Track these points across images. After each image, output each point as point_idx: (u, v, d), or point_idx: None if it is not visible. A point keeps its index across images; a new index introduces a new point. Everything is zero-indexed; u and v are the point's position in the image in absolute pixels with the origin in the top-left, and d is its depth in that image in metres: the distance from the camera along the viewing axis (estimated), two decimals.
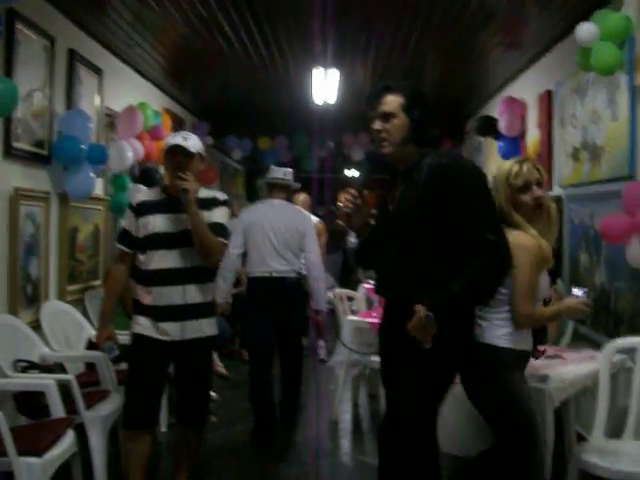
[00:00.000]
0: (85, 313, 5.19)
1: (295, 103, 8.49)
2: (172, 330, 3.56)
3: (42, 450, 3.11)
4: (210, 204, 3.64)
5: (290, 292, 5.13)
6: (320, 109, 8.25)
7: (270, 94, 8.30)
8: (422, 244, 2.79)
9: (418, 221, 2.79)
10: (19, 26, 4.24)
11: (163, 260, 3.55)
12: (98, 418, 3.80)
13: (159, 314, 3.56)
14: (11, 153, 4.23)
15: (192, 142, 3.59)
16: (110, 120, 5.90)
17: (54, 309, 4.68)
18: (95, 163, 4.90)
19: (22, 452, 3.01)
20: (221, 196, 3.76)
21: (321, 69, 6.73)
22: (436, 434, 2.91)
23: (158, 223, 3.57)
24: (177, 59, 6.64)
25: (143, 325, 3.60)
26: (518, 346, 2.95)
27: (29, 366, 3.92)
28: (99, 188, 5.48)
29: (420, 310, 2.64)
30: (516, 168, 3.01)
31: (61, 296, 4.96)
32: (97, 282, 5.63)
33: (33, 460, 3.04)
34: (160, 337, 3.56)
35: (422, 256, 2.79)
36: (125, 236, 3.69)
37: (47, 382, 3.55)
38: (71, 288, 5.13)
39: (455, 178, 2.75)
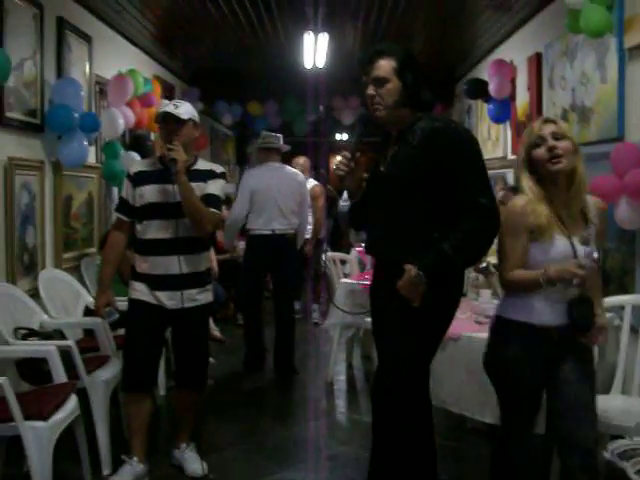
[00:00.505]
0: (81, 280, 5.24)
1: (285, 67, 8.47)
2: (168, 299, 3.62)
3: (47, 414, 3.17)
4: (206, 176, 3.66)
5: (287, 245, 5.78)
6: (310, 73, 8.24)
7: (260, 59, 8.28)
8: (413, 205, 2.84)
9: (410, 183, 2.84)
10: None
11: (159, 230, 3.59)
12: (99, 382, 3.86)
13: (155, 283, 3.62)
14: (4, 123, 4.24)
15: (184, 109, 3.58)
16: (100, 87, 5.89)
17: (51, 277, 4.73)
18: (87, 131, 4.91)
19: (28, 417, 3.08)
20: (218, 169, 3.77)
21: (311, 33, 6.71)
22: (428, 388, 3.00)
23: (153, 193, 3.59)
24: (166, 25, 6.62)
25: (140, 291, 3.65)
26: (511, 315, 2.79)
27: (29, 333, 3.96)
28: (91, 156, 5.49)
29: (410, 269, 2.71)
30: (529, 127, 2.81)
31: (57, 264, 5.01)
32: (92, 249, 5.67)
33: (39, 424, 3.10)
34: (156, 303, 3.63)
35: (413, 217, 2.84)
36: (123, 205, 3.70)
37: (48, 348, 3.60)
38: (67, 256, 5.18)
39: (447, 142, 2.79)
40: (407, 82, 2.88)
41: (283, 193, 5.68)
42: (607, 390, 3.56)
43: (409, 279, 2.71)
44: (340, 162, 2.99)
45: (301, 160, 7.38)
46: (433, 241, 2.74)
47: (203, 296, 3.73)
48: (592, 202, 2.81)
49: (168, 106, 3.59)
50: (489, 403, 3.37)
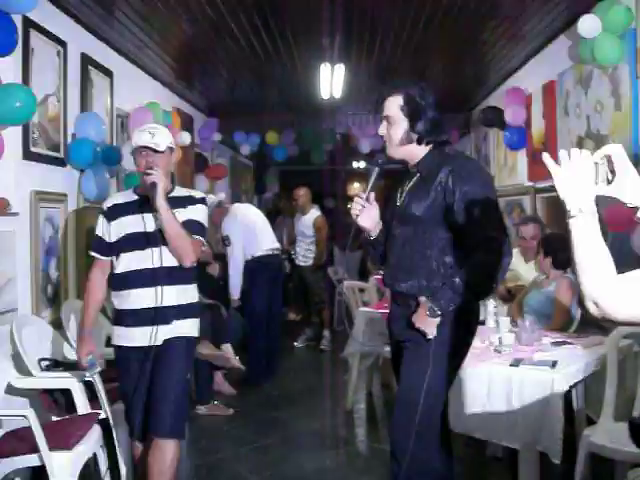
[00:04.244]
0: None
1: (302, 97, 8.57)
2: (142, 335, 3.36)
3: (71, 445, 3.23)
4: (186, 202, 3.50)
5: (280, 266, 6.80)
6: (326, 103, 8.33)
7: (277, 89, 8.39)
8: (426, 239, 2.90)
9: (422, 217, 2.90)
10: (33, 34, 4.35)
11: (135, 261, 3.40)
12: (121, 413, 3.90)
13: (131, 318, 3.41)
14: (29, 158, 4.34)
15: (160, 137, 3.43)
16: (122, 120, 6.00)
17: (74, 308, 4.79)
18: (109, 164, 5.02)
19: (53, 447, 3.13)
20: (197, 194, 3.64)
21: (327, 64, 6.80)
22: (446, 417, 3.03)
23: (130, 224, 3.43)
24: (185, 59, 6.74)
25: (119, 334, 3.47)
26: None
27: (53, 364, 4.03)
28: (113, 188, 5.58)
29: (424, 303, 2.77)
30: None
31: (80, 295, 5.07)
32: None
33: (64, 454, 3.17)
34: (134, 344, 3.40)
35: (426, 251, 2.90)
36: (98, 243, 3.53)
37: (72, 379, 3.66)
38: None
39: (457, 176, 2.84)
40: (414, 118, 2.93)
41: (263, 219, 6.65)
42: (627, 416, 3.55)
43: (423, 313, 2.78)
44: (355, 202, 3.05)
45: (301, 191, 7.61)
46: (446, 274, 2.79)
47: (185, 329, 3.45)
48: None
49: (143, 135, 3.42)
50: (515, 428, 3.39)
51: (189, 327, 3.49)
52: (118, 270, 3.45)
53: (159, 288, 3.34)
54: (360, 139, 9.89)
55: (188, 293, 3.51)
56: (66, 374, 3.90)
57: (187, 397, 3.52)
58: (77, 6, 4.83)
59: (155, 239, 3.37)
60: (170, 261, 3.39)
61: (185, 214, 3.44)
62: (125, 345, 3.44)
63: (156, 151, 3.39)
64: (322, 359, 7.68)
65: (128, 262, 3.42)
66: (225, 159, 10.30)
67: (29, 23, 4.26)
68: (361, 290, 6.69)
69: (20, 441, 3.19)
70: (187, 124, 8.10)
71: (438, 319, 2.78)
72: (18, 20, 3.95)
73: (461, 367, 3.07)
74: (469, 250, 2.79)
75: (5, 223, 4.05)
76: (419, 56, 6.75)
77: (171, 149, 3.51)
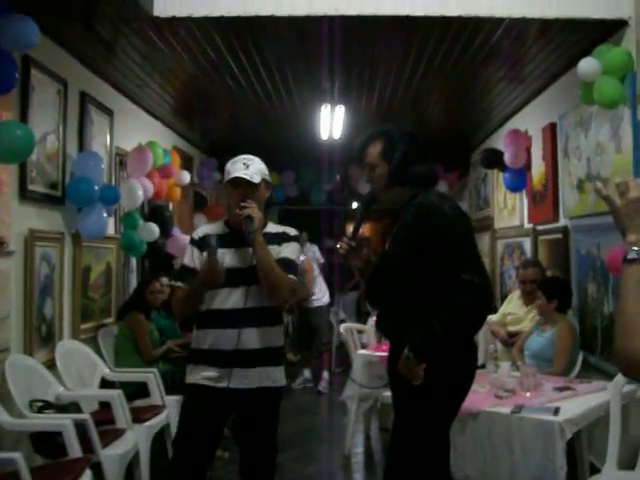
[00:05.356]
0: (98, 351, 5.24)
1: (301, 138, 8.59)
2: (225, 377, 3.16)
3: None
4: (279, 239, 3.30)
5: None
6: (326, 143, 8.35)
7: (277, 130, 8.41)
8: (408, 284, 2.87)
9: (403, 261, 2.89)
10: (33, 71, 4.35)
11: (225, 299, 3.19)
12: (114, 457, 3.83)
13: (215, 360, 3.19)
14: (26, 196, 4.31)
15: (254, 168, 3.24)
16: (120, 159, 5.99)
17: (68, 348, 4.74)
18: (107, 203, 4.98)
19: None
20: (291, 231, 3.39)
21: (328, 106, 6.82)
22: (445, 462, 2.96)
23: (221, 258, 3.18)
24: (185, 99, 6.76)
25: (199, 374, 3.22)
26: None
27: (45, 406, 3.96)
28: (110, 227, 5.55)
29: (404, 350, 2.75)
30: None
31: (75, 334, 5.01)
32: (109, 320, 5.69)
33: None
34: (216, 385, 3.18)
35: (408, 295, 2.87)
36: (186, 272, 3.28)
37: (64, 422, 3.59)
38: (84, 326, 5.19)
39: (432, 220, 2.82)
40: (393, 164, 2.95)
41: None
42: (632, 466, 3.47)
43: (403, 360, 2.77)
44: (342, 243, 3.08)
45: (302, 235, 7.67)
46: (423, 319, 2.75)
47: (268, 377, 3.23)
48: None
49: (237, 166, 3.23)
50: (517, 476, 3.31)
51: (275, 376, 3.27)
52: (206, 307, 3.22)
53: (241, 330, 3.13)
54: (359, 179, 9.90)
55: (274, 335, 3.27)
56: (58, 416, 3.83)
57: None
58: (78, 44, 4.84)
59: (247, 276, 3.17)
60: (260, 301, 3.19)
61: (279, 252, 3.25)
62: (204, 384, 3.20)
63: (250, 183, 3.21)
64: (320, 401, 7.57)
65: (217, 299, 3.20)
66: (224, 198, 10.30)
67: (29, 61, 4.27)
68: (360, 332, 6.62)
69: None
70: (187, 163, 8.11)
71: (422, 365, 2.72)
72: (18, 57, 3.95)
73: (459, 412, 3.00)
74: (447, 295, 2.74)
75: (0, 262, 4.00)
76: (419, 98, 6.78)
77: (266, 182, 3.33)
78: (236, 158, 3.30)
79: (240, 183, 3.20)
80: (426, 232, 2.81)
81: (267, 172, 3.34)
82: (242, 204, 3.16)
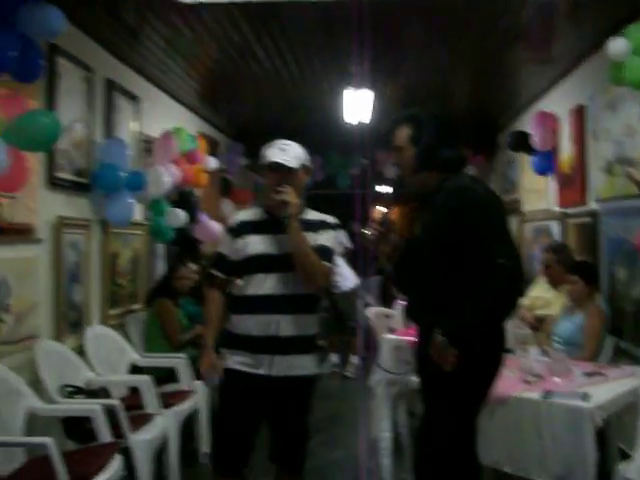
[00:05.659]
0: (127, 336, 5.28)
1: (328, 122, 8.54)
2: (260, 363, 3.16)
3: (91, 475, 3.18)
4: (317, 227, 3.24)
5: None
6: (353, 127, 8.31)
7: (303, 114, 8.38)
8: (440, 269, 2.85)
9: (435, 246, 2.87)
10: (60, 60, 4.37)
11: (260, 286, 3.16)
12: (143, 442, 3.86)
13: (250, 346, 3.17)
14: (54, 183, 4.35)
15: (292, 153, 3.20)
16: (147, 146, 6.01)
17: (97, 334, 4.78)
18: (134, 190, 5.00)
19: (72, 477, 3.08)
20: (330, 219, 3.34)
21: (353, 89, 6.78)
22: (473, 449, 2.95)
23: (258, 244, 3.19)
24: (210, 84, 6.76)
25: (235, 359, 3.21)
26: None
27: (75, 391, 4.00)
28: (138, 213, 5.58)
29: (436, 335, 2.72)
30: None
31: (103, 321, 5.06)
32: (137, 306, 5.72)
33: None
34: (253, 371, 3.17)
35: (440, 281, 2.86)
36: (220, 260, 3.29)
37: (94, 407, 3.63)
38: (112, 312, 5.23)
39: (464, 203, 2.81)
40: (422, 147, 2.94)
41: None
42: None
43: (435, 345, 2.73)
44: (372, 227, 3.09)
45: None
46: (457, 305, 2.72)
47: (304, 366, 3.22)
48: None
49: (274, 151, 3.19)
50: (546, 462, 3.29)
51: (310, 364, 3.26)
52: (242, 293, 3.22)
53: (280, 316, 3.13)
54: (385, 164, 9.85)
55: (310, 323, 3.25)
56: (88, 401, 3.87)
57: None
58: (104, 31, 4.85)
59: (283, 263, 3.14)
60: (296, 288, 3.16)
61: (316, 239, 3.20)
62: (241, 370, 3.18)
63: (287, 168, 3.17)
64: (347, 386, 7.57)
65: (253, 285, 3.18)
66: (250, 183, 10.30)
67: (56, 49, 4.28)
68: (386, 316, 6.61)
69: (41, 469, 3.14)
70: (213, 148, 8.11)
71: (454, 351, 2.70)
72: (45, 46, 3.97)
73: (488, 398, 2.99)
74: (480, 279, 2.72)
75: (29, 249, 4.04)
76: (445, 80, 6.72)
77: (306, 167, 3.28)
78: (273, 142, 3.25)
79: (276, 168, 3.16)
80: (459, 215, 2.79)
81: (306, 157, 3.29)
82: (278, 189, 3.13)
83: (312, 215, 3.31)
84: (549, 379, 3.75)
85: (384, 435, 5.60)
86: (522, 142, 6.80)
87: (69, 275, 4.52)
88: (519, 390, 3.59)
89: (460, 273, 2.80)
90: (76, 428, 3.78)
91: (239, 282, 3.25)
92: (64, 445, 3.75)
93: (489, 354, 2.90)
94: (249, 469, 3.27)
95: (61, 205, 4.46)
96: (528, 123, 6.92)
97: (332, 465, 4.99)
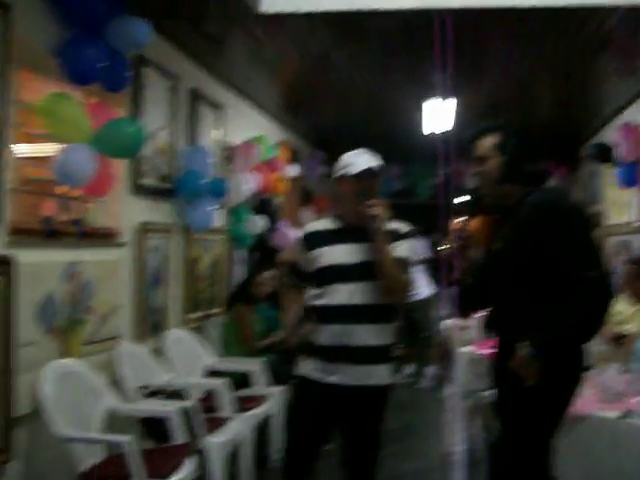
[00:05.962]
0: (204, 340, 5.37)
1: (408, 131, 8.52)
2: (333, 372, 3.14)
3: (167, 474, 3.26)
4: (394, 237, 3.20)
5: None
6: (433, 137, 8.27)
7: (383, 123, 8.38)
8: (523, 283, 2.81)
9: (518, 260, 2.83)
10: (146, 70, 4.50)
11: (335, 295, 3.13)
12: (217, 444, 3.93)
13: (324, 354, 3.16)
14: (138, 189, 4.48)
15: (374, 160, 3.18)
16: (229, 153, 6.12)
17: (176, 337, 4.88)
18: (215, 196, 5.11)
19: (148, 475, 3.16)
20: (402, 228, 3.30)
21: (433, 99, 6.76)
22: (548, 467, 2.89)
23: (334, 254, 3.16)
24: (292, 92, 6.84)
25: (309, 366, 3.21)
26: None
27: (153, 392, 4.11)
28: (218, 219, 5.68)
29: (522, 348, 2.68)
30: None
31: (183, 324, 5.17)
32: (215, 310, 5.83)
33: None
34: (326, 379, 3.14)
35: (524, 294, 2.81)
36: (294, 270, 3.35)
37: (170, 409, 3.71)
38: (192, 316, 5.34)
39: (548, 217, 2.76)
40: (508, 157, 2.90)
41: None
42: None
43: (521, 358, 2.68)
44: (450, 240, 3.11)
45: None
46: (544, 319, 2.68)
47: (378, 376, 3.18)
48: None
49: (363, 158, 3.17)
50: None
51: (384, 374, 3.21)
52: (317, 302, 3.19)
53: (355, 326, 3.10)
54: (465, 174, 9.75)
55: (386, 332, 3.20)
56: (165, 402, 3.96)
57: None
58: (188, 42, 4.97)
59: (359, 273, 3.12)
60: (373, 297, 3.13)
61: (394, 250, 3.16)
62: (313, 378, 3.18)
63: (374, 175, 3.15)
64: (422, 397, 7.52)
65: (328, 295, 3.14)
66: (330, 191, 10.36)
67: (142, 59, 4.42)
68: (463, 328, 6.53)
69: (118, 466, 3.23)
70: (293, 157, 8.20)
71: (537, 365, 2.66)
72: (132, 56, 4.10)
73: (566, 417, 2.93)
74: (565, 293, 2.67)
75: (112, 253, 4.17)
76: (527, 90, 6.62)
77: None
78: (355, 151, 3.23)
79: (367, 176, 3.13)
80: (543, 229, 2.75)
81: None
82: (369, 203, 3.09)
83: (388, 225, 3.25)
84: (629, 398, 3.65)
85: (457, 449, 5.54)
86: (605, 154, 6.64)
87: (151, 279, 4.64)
88: (597, 409, 3.50)
89: (545, 287, 2.76)
90: (155, 428, 3.88)
91: (314, 291, 3.22)
92: (143, 444, 3.84)
93: (570, 371, 2.84)
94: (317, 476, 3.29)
95: (144, 210, 4.59)
96: (612, 135, 6.75)
97: (403, 477, 4.96)
